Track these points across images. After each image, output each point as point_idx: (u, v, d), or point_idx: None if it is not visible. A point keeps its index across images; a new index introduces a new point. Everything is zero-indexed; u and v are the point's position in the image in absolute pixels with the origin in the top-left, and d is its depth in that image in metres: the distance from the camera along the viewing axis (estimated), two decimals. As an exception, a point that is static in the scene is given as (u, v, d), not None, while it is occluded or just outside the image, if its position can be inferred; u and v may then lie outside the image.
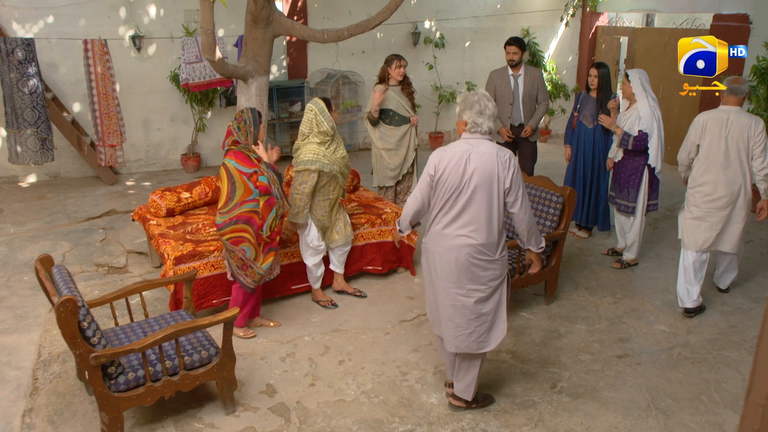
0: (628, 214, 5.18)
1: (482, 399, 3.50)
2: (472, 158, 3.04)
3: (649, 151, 4.93)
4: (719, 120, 4.31)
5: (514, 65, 5.89)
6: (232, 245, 3.87)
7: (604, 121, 5.16)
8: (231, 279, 4.12)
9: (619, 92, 5.23)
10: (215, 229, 3.89)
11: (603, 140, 5.48)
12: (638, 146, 4.91)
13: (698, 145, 4.39)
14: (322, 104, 4.25)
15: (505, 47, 5.91)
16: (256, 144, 3.93)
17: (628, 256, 5.30)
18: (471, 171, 3.02)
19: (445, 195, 3.09)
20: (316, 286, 4.65)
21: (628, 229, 5.25)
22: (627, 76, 5.01)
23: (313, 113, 4.24)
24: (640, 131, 4.89)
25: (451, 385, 3.51)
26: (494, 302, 3.18)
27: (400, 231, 3.42)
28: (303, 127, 4.32)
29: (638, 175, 5.04)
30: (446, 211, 3.11)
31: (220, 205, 3.88)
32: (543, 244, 3.34)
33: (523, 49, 5.92)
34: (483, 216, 3.05)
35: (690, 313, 4.47)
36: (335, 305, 4.62)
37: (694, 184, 4.42)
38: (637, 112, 4.94)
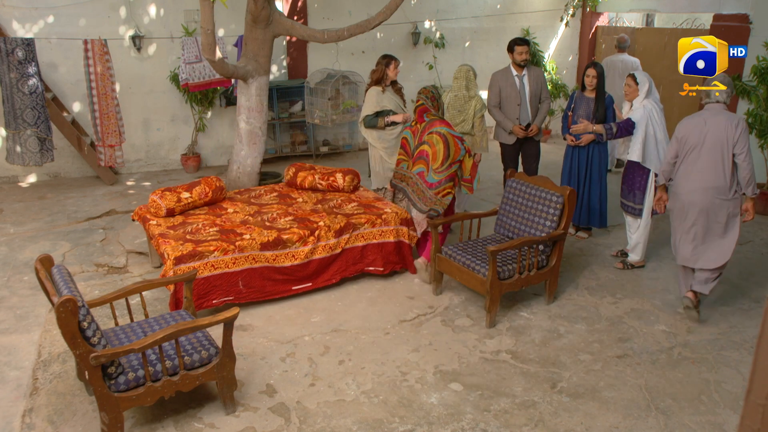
0: (636, 216, 5.19)
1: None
2: (709, 122, 4.14)
3: (632, 143, 4.99)
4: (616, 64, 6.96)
5: (523, 65, 5.88)
6: (443, 197, 4.79)
7: (578, 129, 5.34)
8: (423, 229, 4.99)
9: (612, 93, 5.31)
10: (431, 186, 4.79)
11: (597, 140, 5.48)
12: (622, 132, 5.03)
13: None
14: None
15: (513, 47, 5.85)
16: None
17: (633, 257, 5.30)
18: (707, 131, 4.13)
19: (687, 149, 4.21)
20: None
21: (633, 231, 5.27)
22: (634, 78, 5.02)
23: (473, 74, 5.78)
24: (628, 118, 5.00)
25: (693, 293, 4.38)
26: (729, 230, 4.23)
27: (657, 182, 4.63)
28: (467, 84, 5.76)
29: (645, 177, 5.06)
30: (691, 162, 4.21)
31: (435, 166, 4.73)
32: (758, 192, 4.21)
33: (530, 49, 5.98)
34: (718, 164, 4.11)
35: None
36: None
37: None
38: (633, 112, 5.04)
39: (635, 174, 5.12)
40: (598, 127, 5.16)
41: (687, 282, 4.50)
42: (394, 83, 5.83)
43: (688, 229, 4.29)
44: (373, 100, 5.72)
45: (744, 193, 4.20)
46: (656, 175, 4.98)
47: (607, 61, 8.15)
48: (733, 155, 4.10)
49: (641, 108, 4.97)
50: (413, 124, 5.02)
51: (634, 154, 4.98)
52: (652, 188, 5.05)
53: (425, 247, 5.10)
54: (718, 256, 4.24)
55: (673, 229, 4.46)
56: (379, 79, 5.73)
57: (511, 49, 5.88)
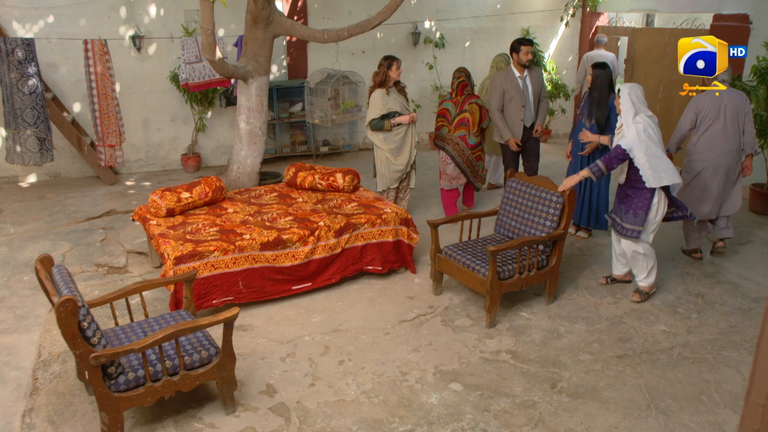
0: (633, 239, 4.48)
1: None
2: (724, 97, 4.97)
3: (641, 172, 4.26)
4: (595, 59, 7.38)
5: (527, 65, 5.88)
6: (477, 161, 6.00)
7: (585, 138, 5.19)
8: (460, 183, 6.08)
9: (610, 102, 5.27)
10: (468, 148, 5.99)
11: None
12: (614, 163, 4.32)
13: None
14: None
15: (519, 48, 5.84)
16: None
17: (647, 282, 4.66)
18: (725, 104, 4.97)
19: (708, 121, 5.01)
20: None
21: (631, 256, 4.60)
22: (619, 92, 4.57)
23: (503, 64, 6.72)
24: (617, 146, 4.33)
25: (696, 251, 5.41)
26: (738, 182, 5.21)
27: (669, 150, 5.11)
28: (497, 71, 6.58)
29: (648, 194, 4.37)
30: (715, 131, 5.00)
31: (474, 130, 5.91)
32: (758, 151, 5.42)
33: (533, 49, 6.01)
34: (738, 131, 5.04)
35: None
36: None
37: None
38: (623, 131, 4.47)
39: (635, 191, 4.43)
40: (604, 139, 5.13)
41: (701, 234, 5.35)
42: (397, 83, 5.83)
43: (709, 189, 5.10)
44: (379, 102, 5.69)
45: (749, 154, 5.17)
46: (666, 190, 4.57)
47: (587, 56, 8.80)
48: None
49: (633, 127, 4.29)
50: (453, 96, 5.96)
51: (651, 182, 4.26)
52: (661, 205, 4.41)
53: (467, 196, 6.40)
54: (734, 205, 5.22)
55: (689, 192, 5.19)
56: (382, 81, 5.72)
57: (516, 49, 5.86)
